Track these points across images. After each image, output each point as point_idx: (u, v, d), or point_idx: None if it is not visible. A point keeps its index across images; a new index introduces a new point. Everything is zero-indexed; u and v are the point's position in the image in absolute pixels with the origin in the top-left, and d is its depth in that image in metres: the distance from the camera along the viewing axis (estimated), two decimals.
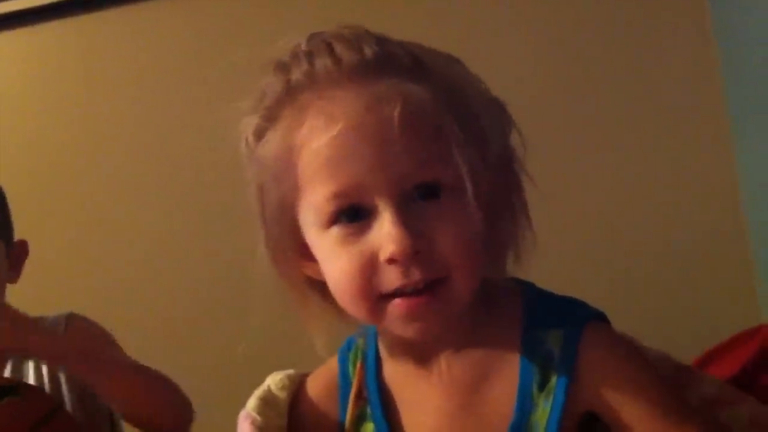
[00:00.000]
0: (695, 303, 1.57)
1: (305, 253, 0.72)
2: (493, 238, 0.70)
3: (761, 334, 1.20)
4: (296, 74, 0.68)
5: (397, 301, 0.67)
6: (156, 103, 1.77)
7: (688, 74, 1.61)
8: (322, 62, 0.67)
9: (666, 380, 0.72)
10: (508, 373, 0.71)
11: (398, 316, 0.67)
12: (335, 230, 0.67)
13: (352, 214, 0.67)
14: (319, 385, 0.79)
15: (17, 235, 1.19)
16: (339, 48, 0.68)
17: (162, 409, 1.04)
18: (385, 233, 0.65)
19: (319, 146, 0.65)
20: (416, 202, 0.66)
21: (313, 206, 0.68)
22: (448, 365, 0.73)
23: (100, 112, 1.79)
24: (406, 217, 0.65)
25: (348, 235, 0.67)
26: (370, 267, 0.66)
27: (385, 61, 0.67)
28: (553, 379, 0.69)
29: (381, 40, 0.69)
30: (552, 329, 0.71)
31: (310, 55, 0.68)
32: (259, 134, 0.70)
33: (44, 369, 1.12)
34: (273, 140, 0.69)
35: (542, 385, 0.70)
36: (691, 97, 1.60)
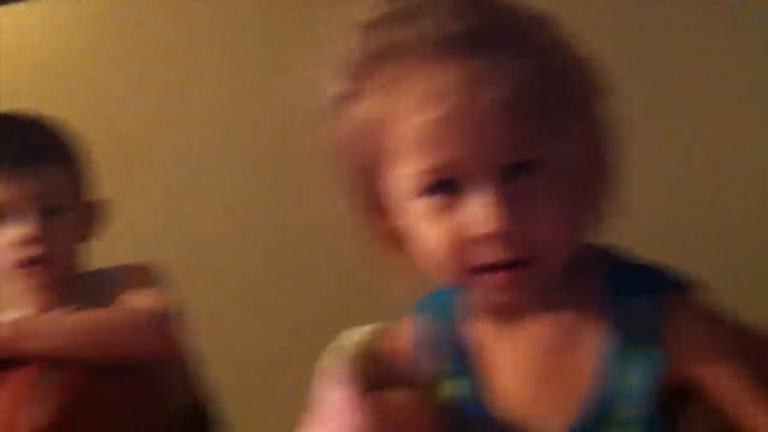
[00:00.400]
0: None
1: (384, 204, 0.71)
2: (582, 203, 0.69)
3: None
4: (383, 38, 0.66)
5: (487, 275, 0.67)
6: (228, 63, 1.81)
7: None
8: (414, 28, 0.65)
9: (756, 350, 0.69)
10: (593, 340, 0.69)
11: (487, 288, 0.68)
12: (425, 201, 0.67)
13: (444, 187, 0.66)
14: (396, 341, 0.78)
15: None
16: (431, 14, 0.65)
17: (122, 348, 1.05)
18: (479, 212, 0.64)
19: (414, 124, 0.64)
20: (511, 180, 0.65)
21: (403, 177, 0.67)
22: (531, 328, 0.72)
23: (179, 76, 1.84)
24: (500, 197, 0.64)
25: (439, 207, 0.66)
26: (460, 242, 0.66)
27: (482, 34, 0.65)
28: (640, 348, 0.68)
29: (473, 3, 0.66)
30: (638, 296, 0.69)
31: (398, 18, 0.66)
32: (344, 98, 0.69)
33: None
34: (361, 108, 0.68)
35: (628, 353, 0.68)
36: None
